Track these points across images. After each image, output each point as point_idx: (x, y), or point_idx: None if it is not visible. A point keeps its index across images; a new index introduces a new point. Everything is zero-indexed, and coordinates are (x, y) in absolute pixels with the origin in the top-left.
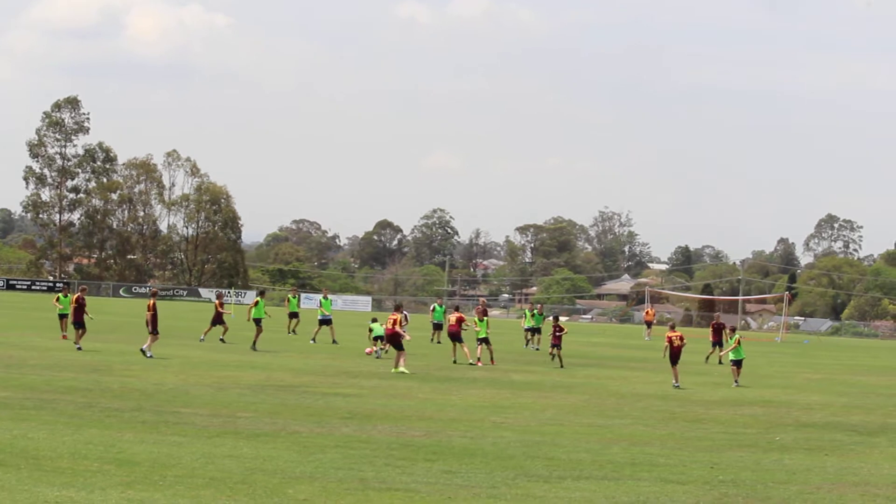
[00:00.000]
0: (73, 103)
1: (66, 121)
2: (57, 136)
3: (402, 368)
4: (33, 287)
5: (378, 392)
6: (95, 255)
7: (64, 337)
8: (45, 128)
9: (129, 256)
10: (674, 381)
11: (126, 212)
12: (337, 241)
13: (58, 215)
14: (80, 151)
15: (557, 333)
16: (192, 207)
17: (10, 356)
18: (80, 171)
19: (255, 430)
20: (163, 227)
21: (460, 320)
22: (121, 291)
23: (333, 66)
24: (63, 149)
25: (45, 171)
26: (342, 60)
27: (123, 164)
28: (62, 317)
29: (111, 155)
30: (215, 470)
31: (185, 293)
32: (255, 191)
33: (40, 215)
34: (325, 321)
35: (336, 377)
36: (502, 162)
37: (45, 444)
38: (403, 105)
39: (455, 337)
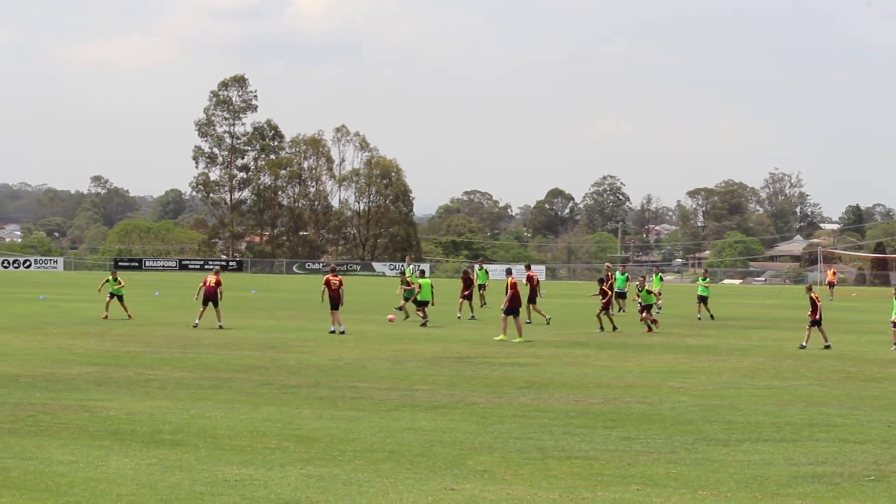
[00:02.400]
0: (240, 82)
1: (233, 99)
2: (225, 115)
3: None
4: (206, 266)
5: (554, 361)
6: (267, 233)
7: (105, 317)
8: (213, 107)
9: (301, 233)
10: (804, 342)
11: (296, 188)
12: (508, 210)
13: (228, 194)
14: (249, 129)
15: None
16: (363, 182)
17: (185, 336)
18: (248, 149)
19: (433, 403)
20: (334, 202)
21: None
22: (294, 268)
23: (499, 37)
24: (231, 127)
25: (215, 150)
26: (508, 31)
27: (291, 141)
28: (113, 296)
29: (279, 132)
30: (394, 443)
31: (358, 268)
32: (425, 163)
33: (211, 195)
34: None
35: (512, 347)
36: (672, 126)
37: (223, 423)
38: (570, 73)
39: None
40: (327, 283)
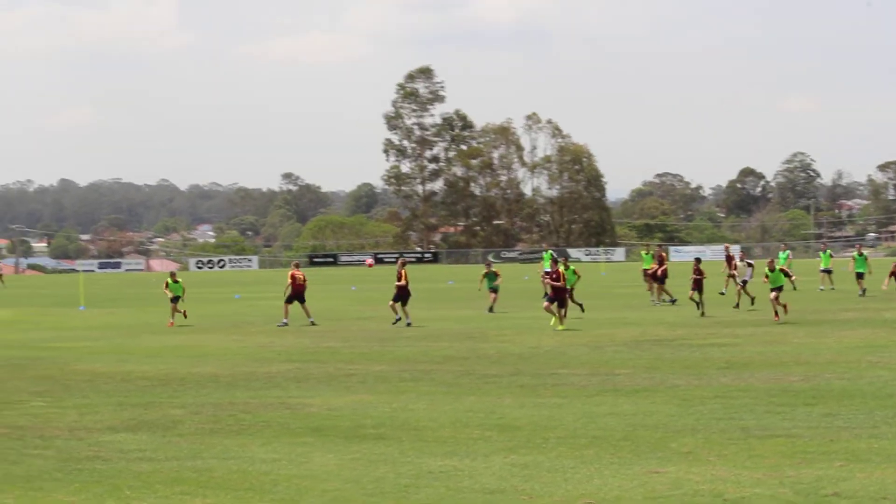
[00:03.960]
0: (426, 73)
1: (420, 91)
2: (413, 106)
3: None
4: (399, 258)
5: (753, 340)
6: (461, 223)
7: (171, 324)
8: (400, 99)
9: (494, 222)
10: None
11: (487, 178)
12: (700, 191)
13: (420, 186)
14: (438, 121)
15: (696, 277)
16: (555, 169)
17: (384, 330)
18: (438, 140)
19: (634, 386)
20: (526, 190)
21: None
22: (489, 258)
23: (687, 15)
24: (420, 119)
25: (404, 142)
26: (696, 9)
27: (481, 131)
28: (174, 300)
29: (468, 122)
30: (597, 429)
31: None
32: (616, 147)
33: (402, 187)
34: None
35: (710, 328)
36: (860, 99)
37: (425, 415)
38: (757, 50)
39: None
40: (293, 277)
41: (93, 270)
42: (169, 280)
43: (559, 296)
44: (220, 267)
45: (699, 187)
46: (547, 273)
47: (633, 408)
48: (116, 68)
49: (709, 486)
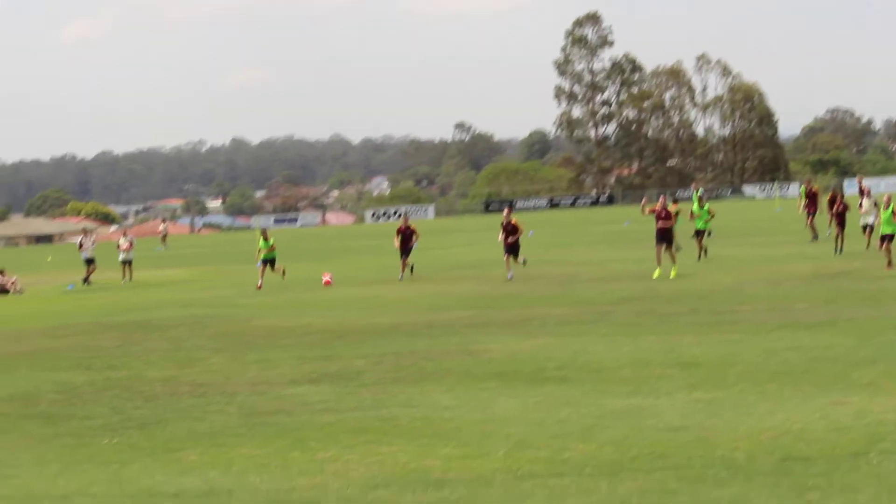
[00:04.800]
0: (594, 19)
1: (589, 37)
2: (582, 52)
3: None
4: (576, 203)
5: None
6: (635, 165)
7: (259, 287)
8: (569, 46)
9: (667, 163)
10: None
11: (659, 119)
12: (871, 126)
13: (592, 130)
14: (607, 65)
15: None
16: (726, 108)
17: (561, 274)
18: (608, 84)
19: (813, 320)
20: (698, 130)
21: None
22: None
23: None
24: (590, 64)
25: (575, 88)
26: None
27: (651, 73)
28: (265, 262)
29: (637, 65)
30: (777, 363)
31: (728, 192)
32: (786, 84)
33: (574, 132)
34: None
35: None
36: None
37: (606, 356)
38: None
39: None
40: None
41: (269, 226)
42: (260, 240)
43: (664, 236)
44: (396, 217)
45: (870, 121)
46: (654, 210)
47: (812, 341)
48: (286, 27)
49: (892, 415)
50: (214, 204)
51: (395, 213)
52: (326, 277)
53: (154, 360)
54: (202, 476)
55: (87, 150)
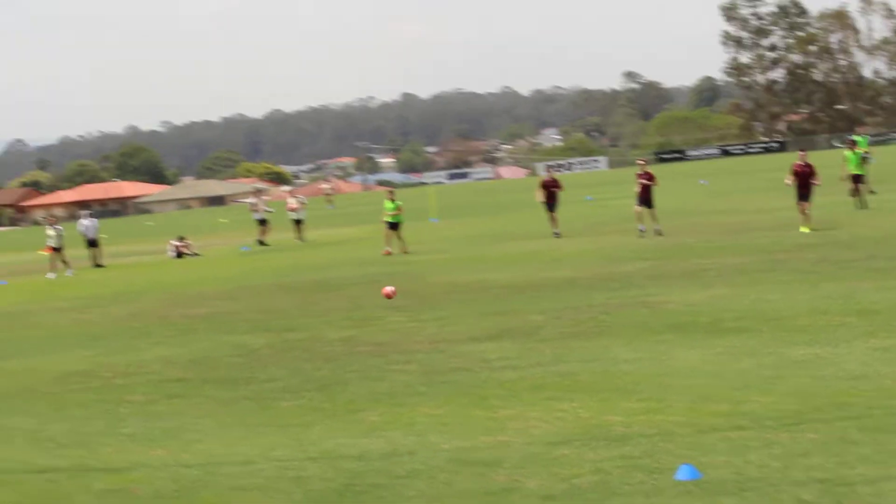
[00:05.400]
0: None
1: None
2: None
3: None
4: (748, 150)
5: None
6: (805, 111)
7: (387, 252)
8: None
9: (837, 107)
10: None
11: (827, 63)
12: None
13: (760, 75)
14: (773, 9)
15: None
16: (893, 49)
17: (735, 222)
18: (775, 28)
19: None
20: (866, 73)
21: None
22: (832, 143)
23: None
24: (755, 9)
25: (742, 33)
26: None
27: (817, 17)
28: (391, 226)
29: (803, 8)
30: None
31: None
32: None
33: (742, 78)
34: None
35: None
36: None
37: (784, 304)
38: None
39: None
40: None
41: (442, 182)
42: (386, 201)
43: (803, 190)
44: (569, 169)
45: None
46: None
47: None
48: None
49: None
50: (386, 161)
51: (567, 164)
52: (388, 290)
53: (332, 321)
54: (384, 437)
55: (256, 110)
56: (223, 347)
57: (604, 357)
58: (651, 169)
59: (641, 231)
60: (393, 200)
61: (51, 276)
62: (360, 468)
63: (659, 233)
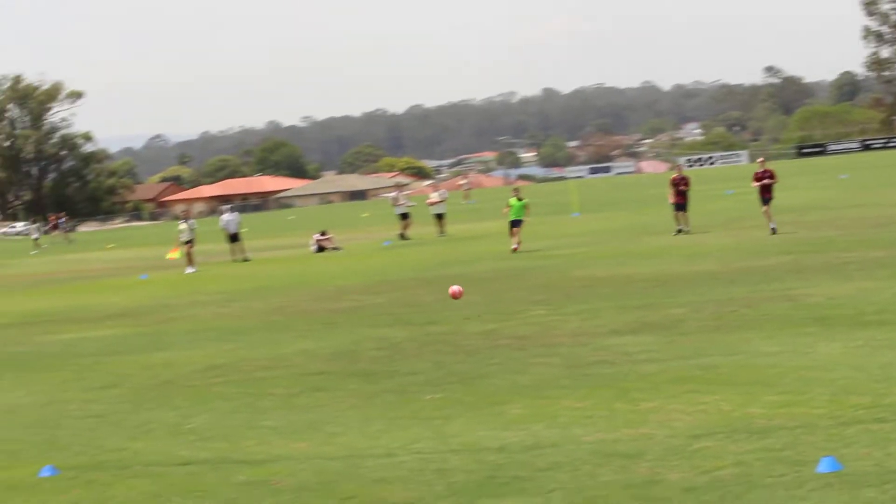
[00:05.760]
0: None
1: None
2: None
3: None
4: (889, 145)
5: None
6: None
7: (515, 249)
8: None
9: None
10: None
11: None
12: None
13: None
14: None
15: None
16: None
17: (877, 216)
18: None
19: None
20: None
21: None
22: None
23: None
24: None
25: (882, 28)
26: None
27: None
28: (513, 223)
29: None
30: None
31: None
32: None
33: (883, 73)
34: None
35: None
36: None
37: None
38: None
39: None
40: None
41: (583, 176)
42: (512, 198)
43: None
44: (710, 164)
45: None
46: None
47: None
48: None
49: None
50: (527, 156)
51: (708, 159)
52: (454, 289)
53: (474, 314)
54: (526, 429)
55: (397, 105)
56: (365, 341)
57: (745, 350)
58: (770, 166)
59: (773, 230)
60: (520, 199)
61: (190, 270)
62: (502, 460)
63: (774, 231)
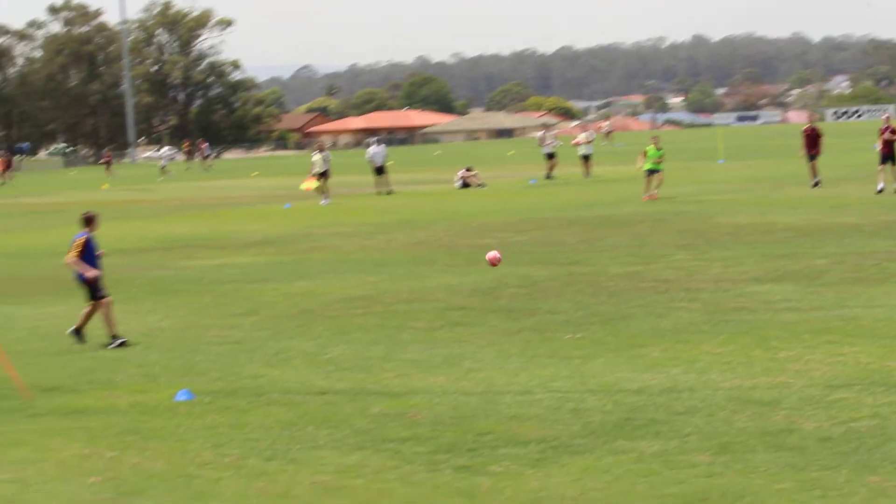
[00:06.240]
0: None
1: None
2: None
3: None
4: None
5: None
6: None
7: (651, 197)
8: None
9: None
10: None
11: None
12: None
13: None
14: None
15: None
16: None
17: None
18: None
19: None
20: None
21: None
22: None
23: None
24: None
25: None
26: None
27: None
28: (650, 172)
29: None
30: None
31: None
32: None
33: None
34: None
35: None
36: None
37: None
38: None
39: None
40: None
41: (730, 124)
42: (650, 147)
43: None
44: (857, 117)
45: None
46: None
47: None
48: None
49: None
50: (675, 101)
51: (855, 112)
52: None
53: (617, 256)
54: (665, 373)
55: (547, 45)
56: (507, 278)
57: (887, 303)
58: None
59: (879, 190)
60: (658, 148)
61: (324, 202)
62: (640, 402)
63: (881, 191)
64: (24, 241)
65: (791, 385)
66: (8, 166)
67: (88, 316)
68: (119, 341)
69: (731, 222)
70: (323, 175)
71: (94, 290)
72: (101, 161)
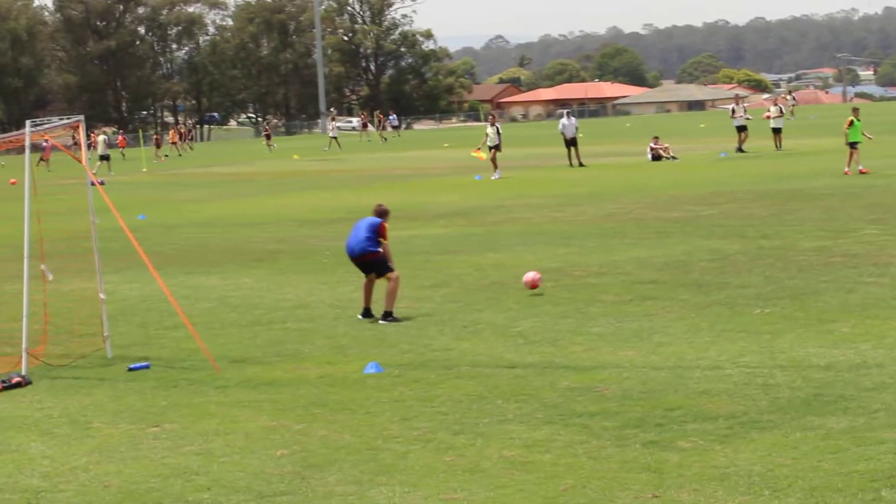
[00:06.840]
0: None
1: None
2: None
3: None
4: None
5: None
6: None
7: (862, 171)
8: None
9: None
10: None
11: None
12: None
13: None
14: None
15: None
16: None
17: None
18: None
19: None
20: None
21: None
22: None
23: None
24: None
25: None
26: None
27: None
28: (851, 145)
29: None
30: None
31: None
32: None
33: None
34: None
35: None
36: None
37: None
38: None
39: None
40: None
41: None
42: (852, 118)
43: None
44: None
45: None
46: None
47: None
48: None
49: None
50: (866, 73)
51: None
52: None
53: (807, 230)
54: (854, 348)
55: (739, 17)
56: (697, 252)
57: None
58: None
59: None
60: (859, 119)
61: (496, 176)
62: (828, 378)
63: None
64: (214, 211)
65: None
66: (183, 137)
67: (389, 294)
68: (393, 318)
69: None
70: (495, 148)
71: (385, 268)
72: (263, 134)
